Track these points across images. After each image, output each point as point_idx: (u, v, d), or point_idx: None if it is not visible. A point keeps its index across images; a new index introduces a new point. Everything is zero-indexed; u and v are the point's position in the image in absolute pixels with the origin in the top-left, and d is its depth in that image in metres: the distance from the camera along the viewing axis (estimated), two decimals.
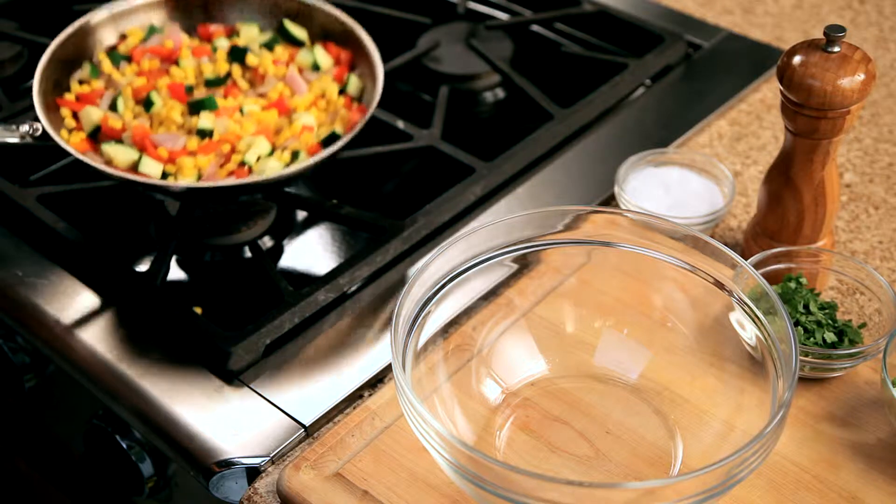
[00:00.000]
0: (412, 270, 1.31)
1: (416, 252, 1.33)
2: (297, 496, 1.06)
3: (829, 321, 1.17)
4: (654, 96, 1.58)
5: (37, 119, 1.31)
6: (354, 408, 1.15)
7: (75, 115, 1.36)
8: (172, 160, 1.29)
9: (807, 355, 1.13)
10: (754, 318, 1.07)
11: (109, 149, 1.30)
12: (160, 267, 1.28)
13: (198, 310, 1.29)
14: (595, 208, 1.16)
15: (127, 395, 1.18)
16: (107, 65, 1.41)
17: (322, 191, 1.47)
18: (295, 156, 1.31)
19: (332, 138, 1.33)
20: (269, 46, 1.44)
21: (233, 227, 1.38)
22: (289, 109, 1.36)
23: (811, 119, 1.15)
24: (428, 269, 1.08)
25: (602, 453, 1.09)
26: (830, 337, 1.16)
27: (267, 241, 1.40)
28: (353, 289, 1.29)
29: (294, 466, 1.08)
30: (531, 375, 1.16)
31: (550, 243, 1.16)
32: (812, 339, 1.16)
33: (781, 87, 1.16)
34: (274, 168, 1.29)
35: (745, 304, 1.08)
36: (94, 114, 1.34)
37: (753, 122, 1.54)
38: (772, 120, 1.55)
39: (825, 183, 1.21)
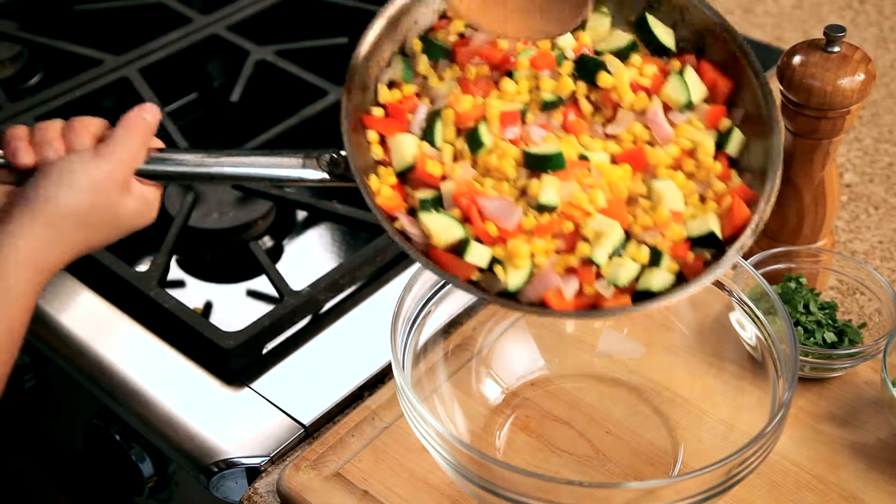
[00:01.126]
0: (412, 270, 1.31)
1: None
2: (297, 496, 1.06)
3: (829, 321, 1.17)
4: None
5: (338, 146, 0.97)
6: (354, 408, 1.15)
7: (383, 141, 0.98)
8: (503, 240, 0.92)
9: (807, 355, 1.13)
10: (754, 318, 1.07)
11: (430, 222, 0.92)
12: (160, 267, 1.28)
13: (198, 310, 1.29)
14: None
15: (127, 395, 1.18)
16: (423, 63, 1.00)
17: (322, 191, 1.47)
18: (655, 257, 0.92)
19: (708, 241, 0.94)
20: (623, 55, 1.00)
21: (233, 227, 1.38)
22: (646, 166, 0.97)
23: (811, 119, 1.15)
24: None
25: (602, 453, 1.09)
26: (830, 337, 1.16)
27: (267, 241, 1.40)
28: (353, 289, 1.29)
29: (294, 466, 1.08)
30: (531, 375, 1.16)
31: None
32: (812, 339, 1.16)
33: (781, 87, 1.16)
34: (647, 282, 0.92)
35: (745, 304, 1.08)
36: (406, 147, 0.96)
37: None
38: None
39: (825, 183, 1.21)
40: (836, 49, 1.14)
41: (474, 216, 0.92)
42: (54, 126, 0.96)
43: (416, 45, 1.00)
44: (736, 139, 0.98)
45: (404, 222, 0.93)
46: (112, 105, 1.60)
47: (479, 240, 0.92)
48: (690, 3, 1.00)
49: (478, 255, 0.91)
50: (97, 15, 1.76)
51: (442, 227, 0.92)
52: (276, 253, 1.40)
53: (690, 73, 0.98)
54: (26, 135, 0.96)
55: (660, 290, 0.92)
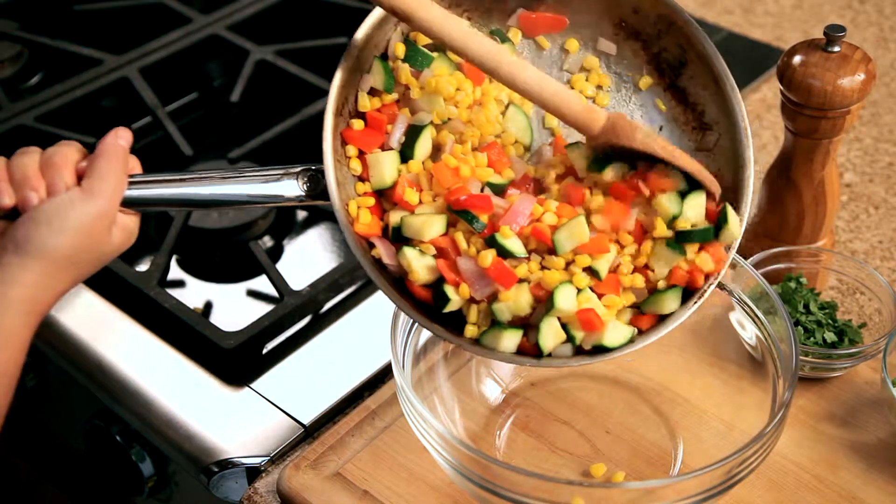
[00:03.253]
0: None
1: None
2: (297, 496, 1.06)
3: (829, 321, 1.17)
4: None
5: (316, 163, 0.96)
6: (354, 408, 1.15)
7: (362, 155, 0.97)
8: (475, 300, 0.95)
9: (807, 355, 1.13)
10: (754, 318, 1.07)
11: (412, 259, 0.93)
12: (160, 267, 1.28)
13: (198, 310, 1.29)
14: None
15: (127, 395, 1.18)
16: (405, 71, 0.98)
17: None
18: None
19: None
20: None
21: (233, 227, 1.38)
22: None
23: (811, 119, 1.15)
24: None
25: (602, 453, 1.09)
26: (830, 337, 1.16)
27: (267, 241, 1.40)
28: (353, 289, 1.29)
29: (294, 466, 1.08)
30: (531, 375, 1.16)
31: None
32: (812, 338, 1.16)
33: (782, 87, 1.16)
34: (600, 339, 0.95)
35: (745, 304, 1.08)
36: (385, 167, 0.96)
37: (754, 121, 1.54)
38: (772, 120, 1.55)
39: (825, 183, 1.21)
40: (836, 49, 1.14)
41: (449, 275, 0.93)
42: (32, 161, 0.93)
43: (398, 48, 0.98)
44: (732, 225, 0.96)
45: (381, 251, 0.94)
46: (112, 105, 1.60)
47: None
48: (680, 19, 1.00)
49: (454, 304, 0.94)
50: (97, 15, 1.76)
51: (422, 268, 0.93)
52: (276, 253, 1.39)
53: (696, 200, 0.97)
54: (4, 172, 0.92)
55: (613, 345, 0.95)
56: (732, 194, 1.00)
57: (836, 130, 1.16)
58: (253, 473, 1.11)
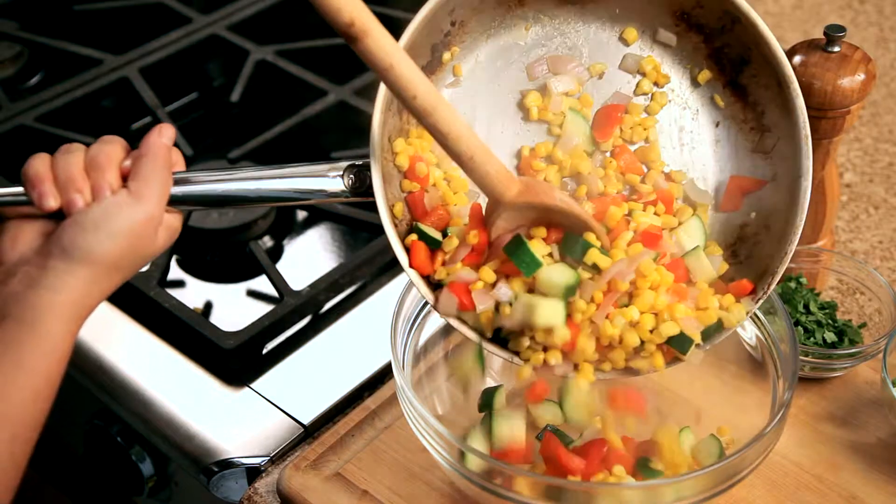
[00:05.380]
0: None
1: None
2: (297, 496, 1.06)
3: (829, 321, 1.17)
4: None
5: (363, 163, 0.95)
6: (354, 408, 1.15)
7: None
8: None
9: (807, 355, 1.13)
10: (754, 318, 1.07)
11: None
12: (160, 267, 1.28)
13: (198, 310, 1.29)
14: None
15: (127, 395, 1.18)
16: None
17: None
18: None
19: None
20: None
21: (233, 227, 1.38)
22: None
23: (811, 119, 1.15)
24: None
25: None
26: (830, 337, 1.16)
27: (267, 241, 1.40)
28: (353, 289, 1.29)
29: (294, 466, 1.08)
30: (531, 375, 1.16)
31: None
32: (812, 339, 1.16)
33: None
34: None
35: None
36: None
37: None
38: None
39: (825, 183, 1.21)
40: (836, 49, 1.14)
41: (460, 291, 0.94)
42: (77, 160, 0.90)
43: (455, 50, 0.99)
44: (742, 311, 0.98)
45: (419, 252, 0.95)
46: (112, 105, 1.60)
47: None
48: (747, 17, 0.97)
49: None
50: (97, 15, 1.76)
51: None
52: (276, 253, 1.39)
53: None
54: (49, 172, 0.89)
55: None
56: (789, 200, 0.98)
57: (835, 130, 1.16)
58: (253, 473, 1.11)
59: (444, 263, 0.95)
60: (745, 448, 0.92)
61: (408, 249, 0.95)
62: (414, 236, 0.95)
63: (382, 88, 0.93)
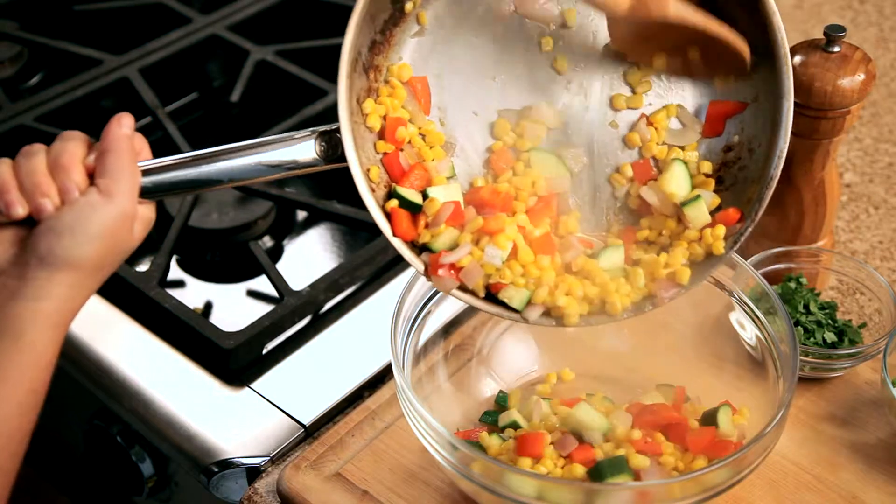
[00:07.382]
0: (412, 271, 1.31)
1: None
2: (297, 496, 1.06)
3: (829, 321, 1.17)
4: None
5: (332, 128, 0.94)
6: (354, 408, 1.15)
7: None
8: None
9: (807, 355, 1.13)
10: (754, 318, 1.07)
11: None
12: (160, 267, 1.28)
13: (198, 310, 1.29)
14: None
15: (127, 395, 1.18)
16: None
17: (322, 191, 1.47)
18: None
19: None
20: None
21: (233, 227, 1.38)
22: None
23: (811, 119, 1.15)
24: None
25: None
26: (830, 337, 1.16)
27: (267, 241, 1.40)
28: (353, 289, 1.29)
29: (294, 466, 1.08)
30: (531, 375, 1.16)
31: None
32: (812, 339, 1.16)
33: None
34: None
35: (745, 304, 1.08)
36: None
37: None
38: None
39: (825, 183, 1.21)
40: (836, 49, 1.14)
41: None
42: (40, 163, 0.87)
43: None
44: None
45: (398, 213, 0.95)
46: (112, 105, 1.60)
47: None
48: None
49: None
50: (97, 15, 1.76)
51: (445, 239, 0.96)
52: (276, 253, 1.40)
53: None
54: (13, 179, 0.87)
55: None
56: (772, 122, 0.96)
57: (835, 131, 1.16)
58: (253, 474, 1.11)
59: (427, 226, 0.94)
60: (745, 448, 0.92)
61: (388, 217, 0.94)
62: (394, 202, 0.94)
63: (345, 49, 0.90)
